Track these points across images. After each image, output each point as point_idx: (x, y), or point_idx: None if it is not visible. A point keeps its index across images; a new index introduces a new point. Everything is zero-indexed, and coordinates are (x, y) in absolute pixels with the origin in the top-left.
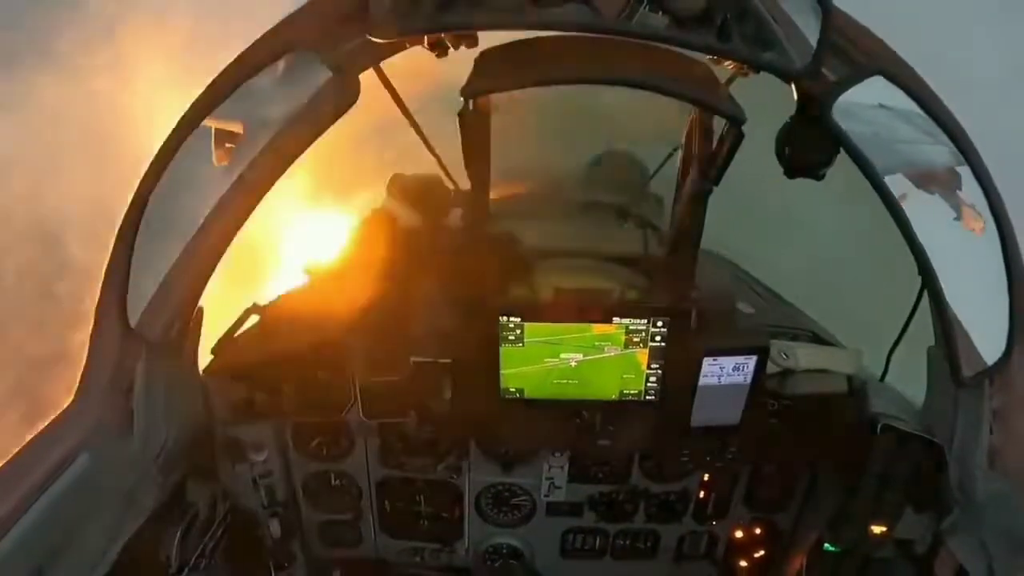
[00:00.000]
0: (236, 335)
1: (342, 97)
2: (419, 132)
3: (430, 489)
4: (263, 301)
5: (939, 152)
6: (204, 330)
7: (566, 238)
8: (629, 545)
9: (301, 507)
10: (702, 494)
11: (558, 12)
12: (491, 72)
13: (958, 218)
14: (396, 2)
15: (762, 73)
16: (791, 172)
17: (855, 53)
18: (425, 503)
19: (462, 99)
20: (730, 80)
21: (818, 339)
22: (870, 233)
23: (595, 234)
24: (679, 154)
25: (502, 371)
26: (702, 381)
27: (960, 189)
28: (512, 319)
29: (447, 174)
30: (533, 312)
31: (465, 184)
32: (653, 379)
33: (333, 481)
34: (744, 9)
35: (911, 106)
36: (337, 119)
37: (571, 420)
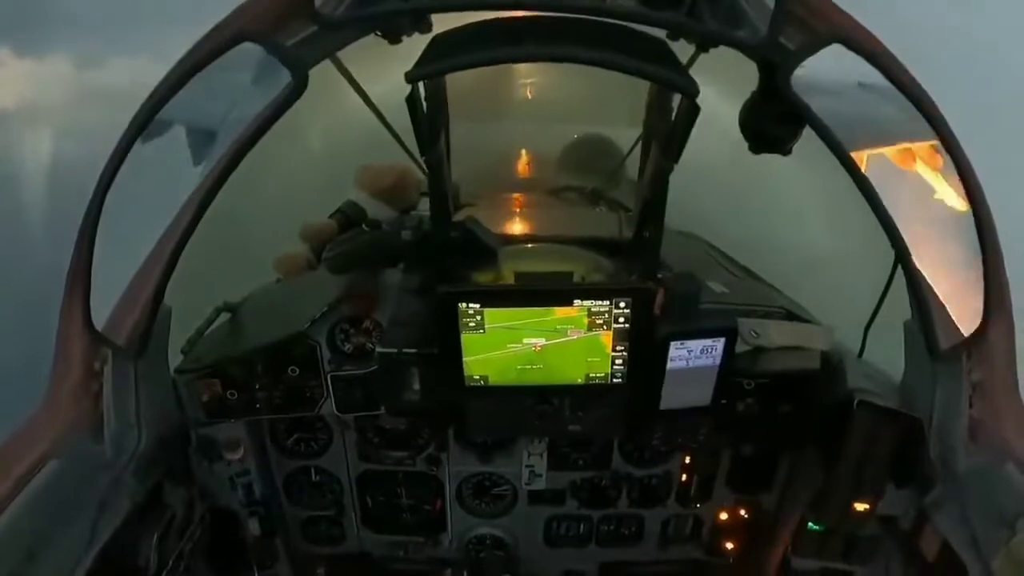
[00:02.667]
0: (206, 333)
1: (290, 90)
2: (384, 121)
3: (411, 482)
4: (233, 298)
5: (906, 123)
6: (173, 329)
7: (537, 223)
8: (613, 531)
9: (283, 505)
10: (684, 477)
11: None
12: (437, 55)
13: (931, 191)
14: None
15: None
16: (756, 147)
17: (815, 23)
18: (406, 496)
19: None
20: (693, 57)
21: (792, 316)
22: (845, 207)
23: (567, 218)
24: None
25: (465, 359)
26: (670, 365)
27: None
28: (471, 305)
29: (417, 164)
30: (492, 298)
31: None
32: (619, 362)
33: (313, 477)
34: None
35: (877, 77)
36: (283, 112)
37: (539, 406)
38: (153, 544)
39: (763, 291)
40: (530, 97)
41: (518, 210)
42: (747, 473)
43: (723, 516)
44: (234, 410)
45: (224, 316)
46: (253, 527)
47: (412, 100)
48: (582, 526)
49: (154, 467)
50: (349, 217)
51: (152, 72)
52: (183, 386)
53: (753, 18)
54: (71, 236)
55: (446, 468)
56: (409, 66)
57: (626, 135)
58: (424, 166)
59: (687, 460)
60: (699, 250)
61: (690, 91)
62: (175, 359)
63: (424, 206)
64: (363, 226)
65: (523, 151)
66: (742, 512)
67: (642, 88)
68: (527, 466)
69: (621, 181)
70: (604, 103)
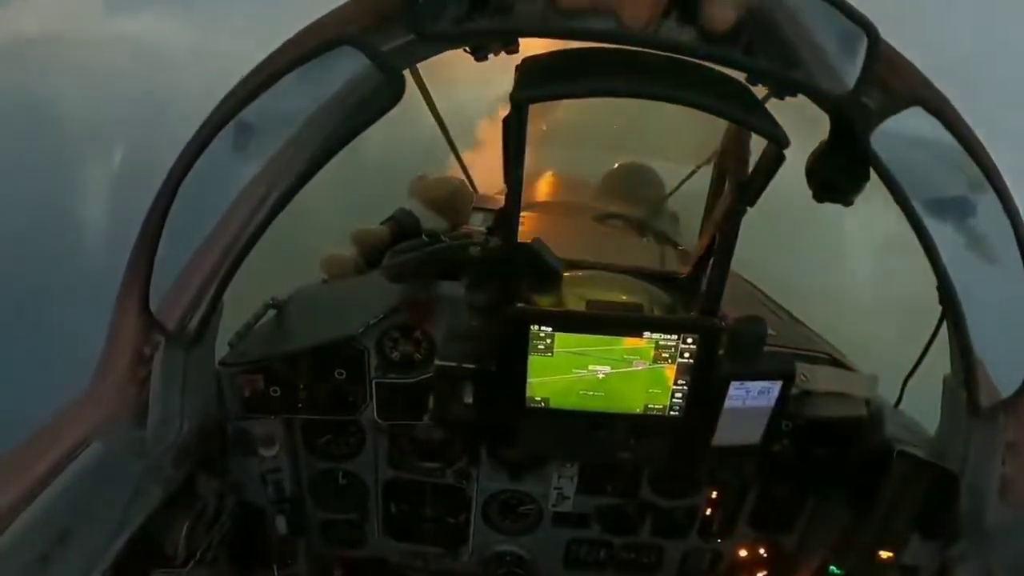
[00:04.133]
0: (254, 329)
1: (388, 95)
2: (447, 136)
3: (437, 493)
4: (281, 295)
5: (970, 184)
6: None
7: (588, 249)
8: (633, 558)
9: (307, 504)
10: (708, 511)
11: (585, 22)
12: (540, 80)
13: (983, 250)
14: (432, 4)
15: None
16: (820, 196)
17: (894, 82)
18: (431, 507)
19: (509, 104)
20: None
21: (836, 363)
22: (887, 259)
23: (616, 247)
24: (701, 172)
25: (529, 380)
26: (727, 404)
27: (986, 220)
28: (543, 328)
29: (468, 178)
30: (565, 322)
31: (484, 188)
32: (679, 395)
33: (340, 480)
34: (771, 29)
35: (946, 137)
36: (380, 117)
37: (593, 431)
38: (183, 533)
39: (808, 335)
40: (572, 121)
41: (569, 235)
42: (771, 513)
43: (742, 553)
44: (275, 407)
45: (270, 312)
46: (280, 525)
47: (508, 122)
48: (602, 551)
49: (190, 457)
50: (402, 225)
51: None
52: (225, 379)
53: (809, 62)
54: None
55: (475, 483)
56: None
57: (664, 166)
58: (473, 182)
59: (713, 495)
60: (744, 291)
61: (783, 142)
62: (219, 351)
63: (474, 221)
64: (423, 237)
65: (567, 175)
66: (762, 551)
67: (691, 124)
68: (556, 488)
69: (664, 214)
70: (647, 133)
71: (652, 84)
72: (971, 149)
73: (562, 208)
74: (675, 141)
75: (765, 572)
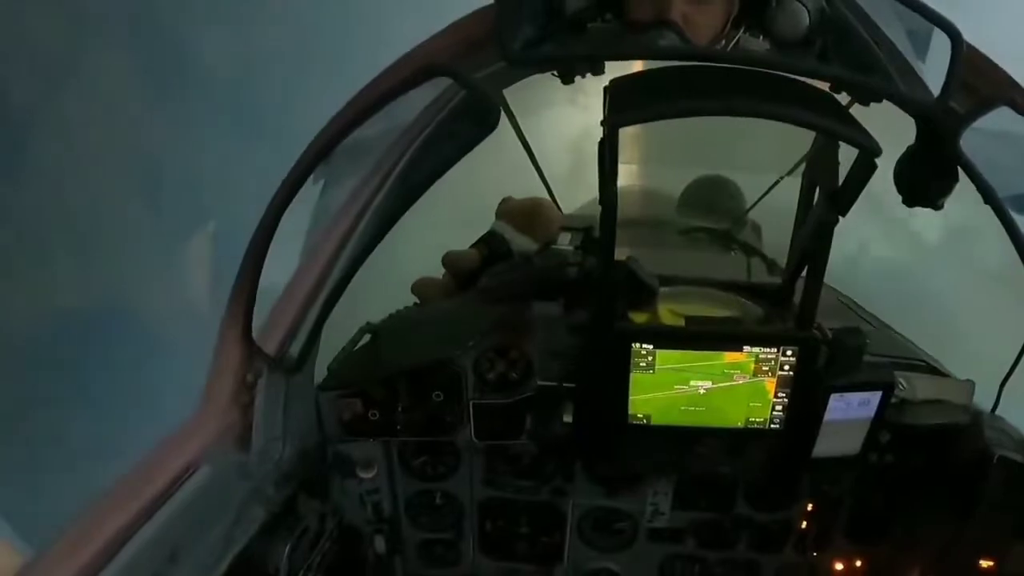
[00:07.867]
0: (351, 353)
1: (486, 121)
2: (532, 157)
3: (532, 511)
4: (375, 319)
5: None
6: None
7: (678, 264)
8: (729, 574)
9: (403, 524)
10: (804, 524)
11: (654, 40)
12: (632, 102)
13: None
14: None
15: None
16: (910, 201)
17: (981, 85)
18: (526, 525)
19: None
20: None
21: (932, 369)
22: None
23: (704, 260)
24: (785, 182)
25: (631, 397)
26: (828, 415)
27: None
28: (644, 346)
29: (553, 198)
30: (666, 339)
31: (568, 208)
32: (779, 407)
33: (437, 500)
34: (845, 32)
35: None
36: (479, 143)
37: (694, 446)
38: (285, 553)
39: (901, 343)
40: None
41: (657, 250)
42: (868, 524)
43: (838, 566)
44: (374, 430)
45: (366, 337)
46: (379, 545)
47: (602, 144)
48: (698, 567)
49: (292, 479)
50: (492, 247)
51: None
52: (325, 403)
53: (885, 64)
54: None
55: (570, 500)
56: None
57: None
58: (557, 201)
59: (809, 507)
60: (833, 298)
61: (875, 151)
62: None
63: (561, 240)
64: (515, 258)
65: (647, 189)
66: (858, 563)
67: (769, 135)
68: (651, 504)
69: (746, 225)
70: (722, 145)
71: (743, 101)
72: None
73: (646, 223)
74: (751, 152)
75: None
